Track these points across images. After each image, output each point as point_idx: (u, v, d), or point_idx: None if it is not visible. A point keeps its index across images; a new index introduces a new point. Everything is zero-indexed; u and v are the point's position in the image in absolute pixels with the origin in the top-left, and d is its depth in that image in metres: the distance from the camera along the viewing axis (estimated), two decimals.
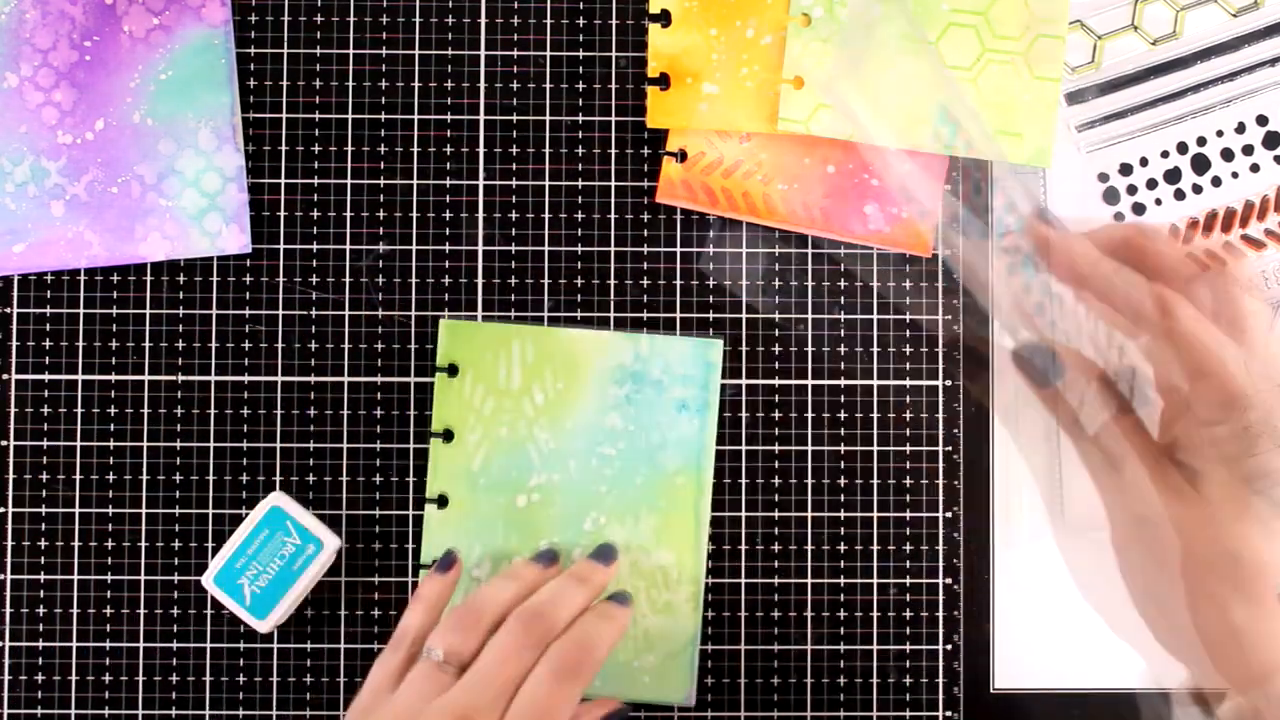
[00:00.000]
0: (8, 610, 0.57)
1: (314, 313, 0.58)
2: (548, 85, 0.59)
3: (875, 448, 0.58)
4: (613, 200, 0.58)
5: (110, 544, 0.57)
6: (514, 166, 0.59)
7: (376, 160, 0.58)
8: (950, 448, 0.58)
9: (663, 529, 0.57)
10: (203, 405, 0.58)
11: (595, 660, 0.48)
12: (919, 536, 0.58)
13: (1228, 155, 0.58)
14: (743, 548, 0.58)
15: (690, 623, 0.57)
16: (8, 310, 0.58)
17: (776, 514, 0.58)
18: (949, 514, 0.58)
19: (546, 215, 0.58)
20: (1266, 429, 0.45)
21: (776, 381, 0.58)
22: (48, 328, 0.58)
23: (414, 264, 0.58)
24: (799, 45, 0.57)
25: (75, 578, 0.57)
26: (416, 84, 0.59)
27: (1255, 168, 0.58)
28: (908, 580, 0.58)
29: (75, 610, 0.57)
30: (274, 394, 0.58)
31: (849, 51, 0.56)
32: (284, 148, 0.58)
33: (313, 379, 0.58)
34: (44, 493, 0.58)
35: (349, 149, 0.58)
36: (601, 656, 0.49)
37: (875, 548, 0.58)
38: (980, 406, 0.58)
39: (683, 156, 0.58)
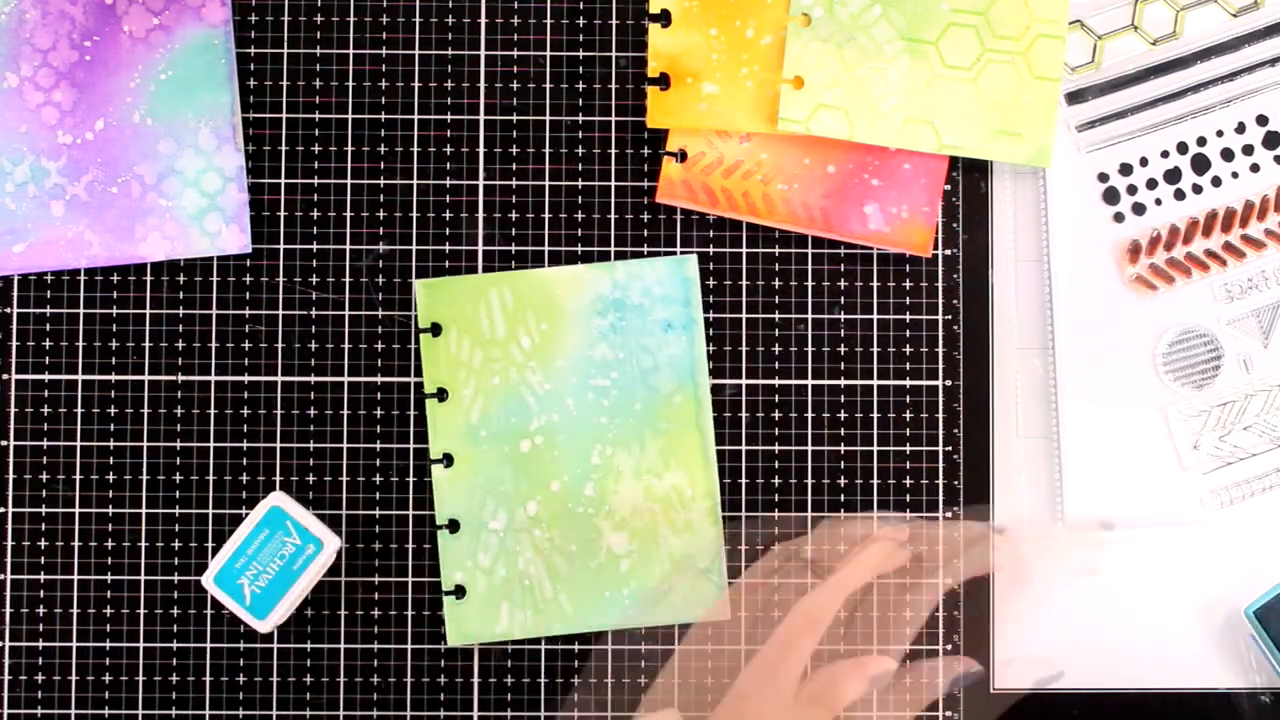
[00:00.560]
0: (8, 610, 0.57)
1: (314, 313, 0.58)
2: (548, 85, 0.59)
3: (875, 448, 0.58)
4: (613, 200, 0.58)
5: (110, 544, 0.57)
6: (514, 166, 0.59)
7: (376, 160, 0.58)
8: (950, 448, 0.58)
9: (669, 450, 0.57)
10: (203, 405, 0.58)
11: None
12: (919, 536, 0.58)
13: (1228, 155, 0.58)
14: (743, 548, 0.58)
15: (712, 536, 0.57)
16: (8, 310, 0.58)
17: (777, 514, 0.58)
18: (949, 514, 0.58)
19: (546, 215, 0.58)
20: None
21: (776, 381, 0.58)
22: (48, 328, 0.58)
23: (414, 264, 0.58)
24: (799, 45, 0.57)
25: (75, 578, 0.57)
26: (416, 84, 0.59)
27: (1255, 168, 0.58)
28: (908, 580, 0.58)
29: (75, 610, 0.57)
30: (274, 394, 0.58)
31: (849, 51, 0.56)
32: (284, 148, 0.58)
33: (313, 379, 0.58)
34: (44, 493, 0.58)
35: (349, 149, 0.58)
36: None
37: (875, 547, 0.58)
38: (980, 406, 0.58)
39: (683, 156, 0.58)
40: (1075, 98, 0.58)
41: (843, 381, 0.58)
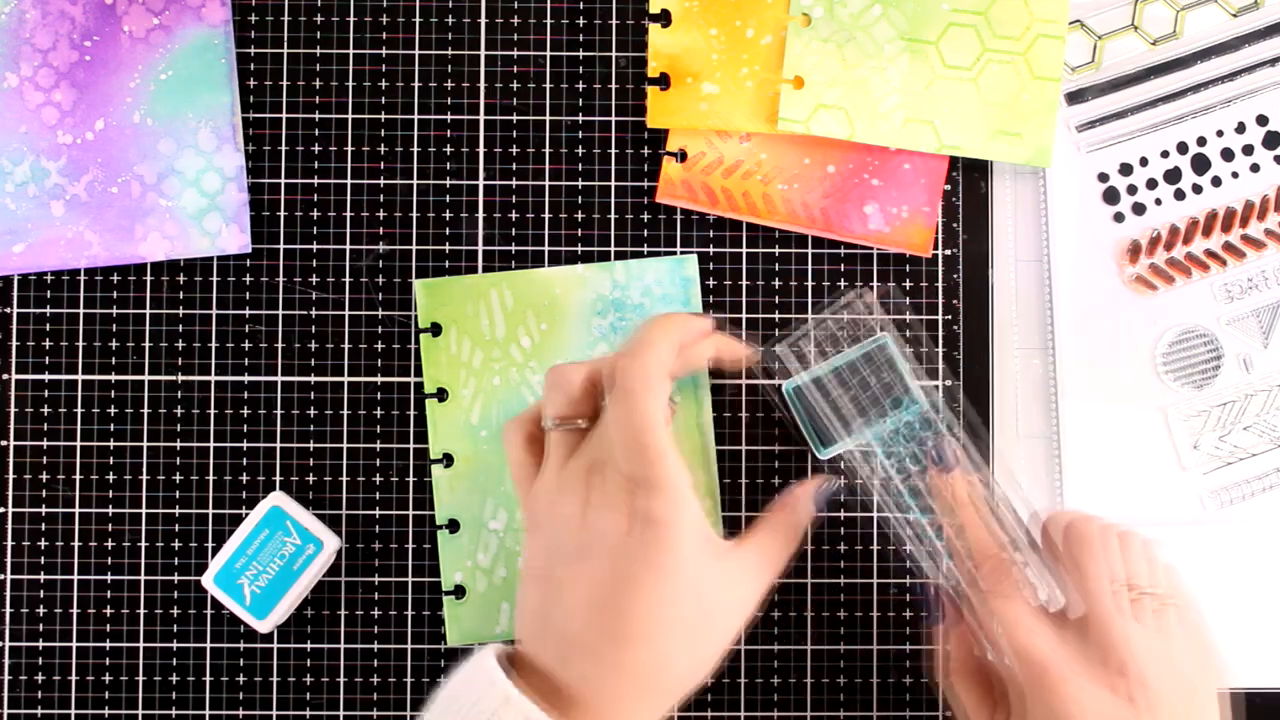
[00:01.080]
0: (8, 610, 0.57)
1: (314, 313, 0.58)
2: (548, 85, 0.59)
3: None
4: (613, 200, 0.58)
5: (110, 544, 0.57)
6: (514, 166, 0.59)
7: (376, 160, 0.58)
8: None
9: None
10: (203, 405, 0.58)
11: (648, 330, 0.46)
12: (919, 536, 0.58)
13: (1228, 155, 0.58)
14: None
15: None
16: (8, 310, 0.58)
17: None
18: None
19: (546, 215, 0.58)
20: None
21: (776, 382, 0.58)
22: (48, 328, 0.58)
23: (414, 264, 0.58)
24: (799, 45, 0.57)
25: (75, 578, 0.57)
26: (416, 84, 0.59)
27: (1255, 168, 0.58)
28: (908, 580, 0.58)
29: (75, 610, 0.57)
30: (274, 394, 0.58)
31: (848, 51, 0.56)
32: (284, 148, 0.58)
33: (313, 379, 0.58)
34: (44, 493, 0.58)
35: (349, 149, 0.58)
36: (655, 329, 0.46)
37: (875, 548, 0.58)
38: (980, 406, 0.58)
39: (683, 156, 0.58)
40: (1075, 98, 0.58)
41: None
